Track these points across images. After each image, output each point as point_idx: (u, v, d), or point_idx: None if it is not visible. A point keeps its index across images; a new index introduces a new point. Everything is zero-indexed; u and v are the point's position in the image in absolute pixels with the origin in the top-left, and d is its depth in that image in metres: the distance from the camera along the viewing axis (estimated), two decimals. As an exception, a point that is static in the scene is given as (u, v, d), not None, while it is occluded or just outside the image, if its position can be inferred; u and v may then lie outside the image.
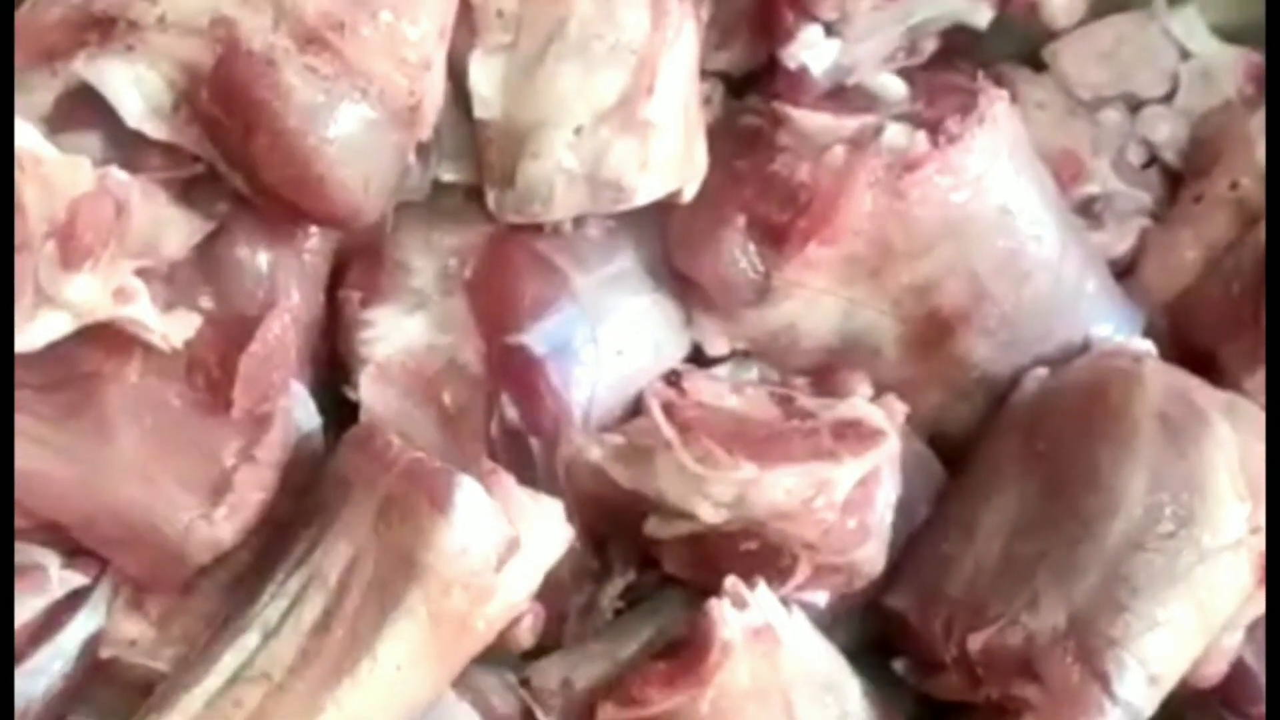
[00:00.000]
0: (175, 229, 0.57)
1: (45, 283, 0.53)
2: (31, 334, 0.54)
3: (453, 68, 0.59)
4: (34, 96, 0.56)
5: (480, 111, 0.59)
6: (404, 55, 0.55)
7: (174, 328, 0.56)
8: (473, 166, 0.60)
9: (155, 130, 0.55)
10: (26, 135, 0.54)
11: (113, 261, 0.54)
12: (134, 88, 0.55)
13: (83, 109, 0.56)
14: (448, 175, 0.61)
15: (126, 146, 0.56)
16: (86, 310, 0.54)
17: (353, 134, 0.54)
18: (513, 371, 0.58)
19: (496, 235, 0.60)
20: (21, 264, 0.52)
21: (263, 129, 0.54)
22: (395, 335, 0.60)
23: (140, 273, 0.55)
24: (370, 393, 0.60)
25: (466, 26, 0.58)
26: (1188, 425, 0.60)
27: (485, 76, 0.58)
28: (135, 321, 0.55)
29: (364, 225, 0.57)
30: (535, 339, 0.58)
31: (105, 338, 0.55)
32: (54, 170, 0.53)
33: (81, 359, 0.56)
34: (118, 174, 0.54)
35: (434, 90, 0.56)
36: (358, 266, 0.60)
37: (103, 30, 0.55)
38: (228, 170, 0.56)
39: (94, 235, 0.53)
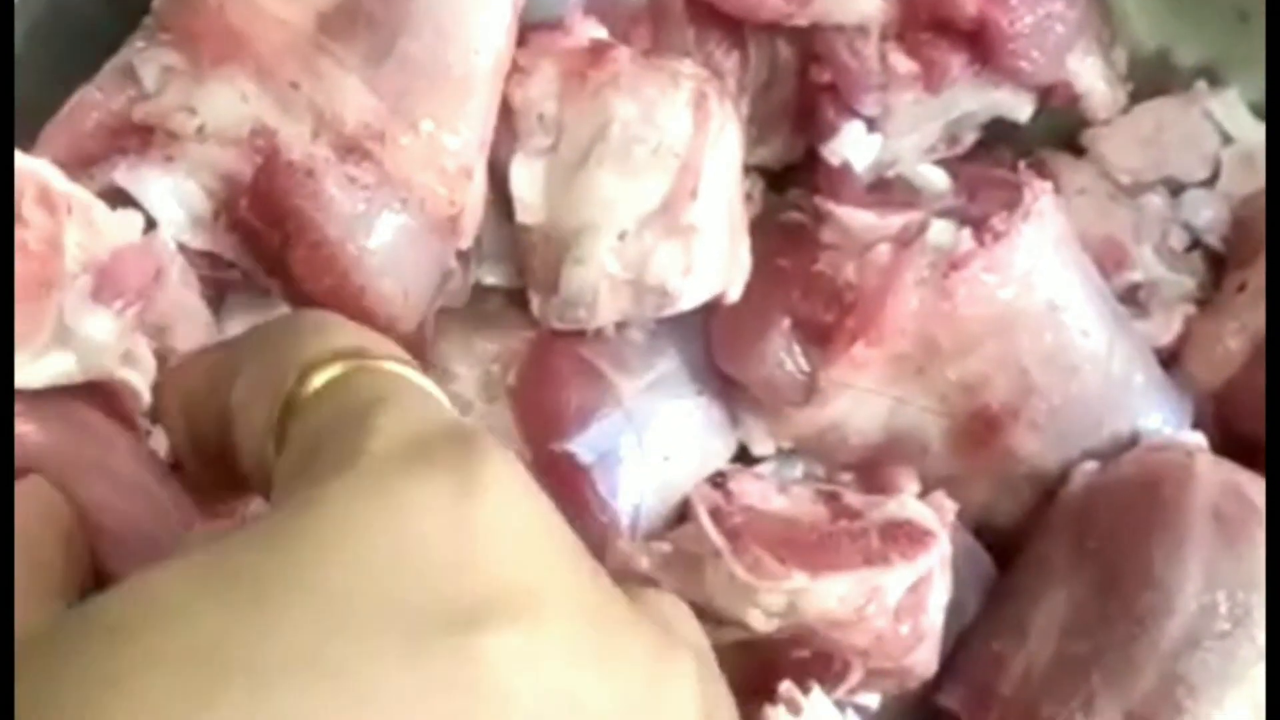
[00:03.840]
0: (191, 323, 0.56)
1: (68, 312, 0.51)
2: (38, 370, 0.51)
3: (494, 172, 0.58)
4: None
5: (522, 216, 0.58)
6: (444, 165, 0.54)
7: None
8: (513, 270, 0.60)
9: (194, 239, 0.55)
10: (75, 188, 0.51)
11: (135, 320, 0.53)
12: (173, 197, 0.54)
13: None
14: (488, 279, 0.60)
15: None
16: (94, 357, 0.51)
17: (393, 244, 0.54)
18: (559, 480, 0.58)
19: (539, 341, 0.59)
20: (46, 302, 0.51)
21: (302, 239, 0.53)
22: (439, 445, 0.59)
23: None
24: (414, 503, 0.59)
25: (507, 130, 0.58)
26: (1242, 520, 0.59)
27: (527, 181, 0.58)
28: (130, 387, 0.53)
29: (401, 334, 0.56)
30: (581, 447, 0.58)
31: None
32: (103, 219, 0.51)
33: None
34: (167, 240, 0.53)
35: (475, 199, 0.56)
36: (401, 374, 0.60)
37: (141, 139, 0.54)
38: (266, 278, 0.56)
39: (134, 280, 0.51)
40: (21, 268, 0.51)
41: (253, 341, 0.39)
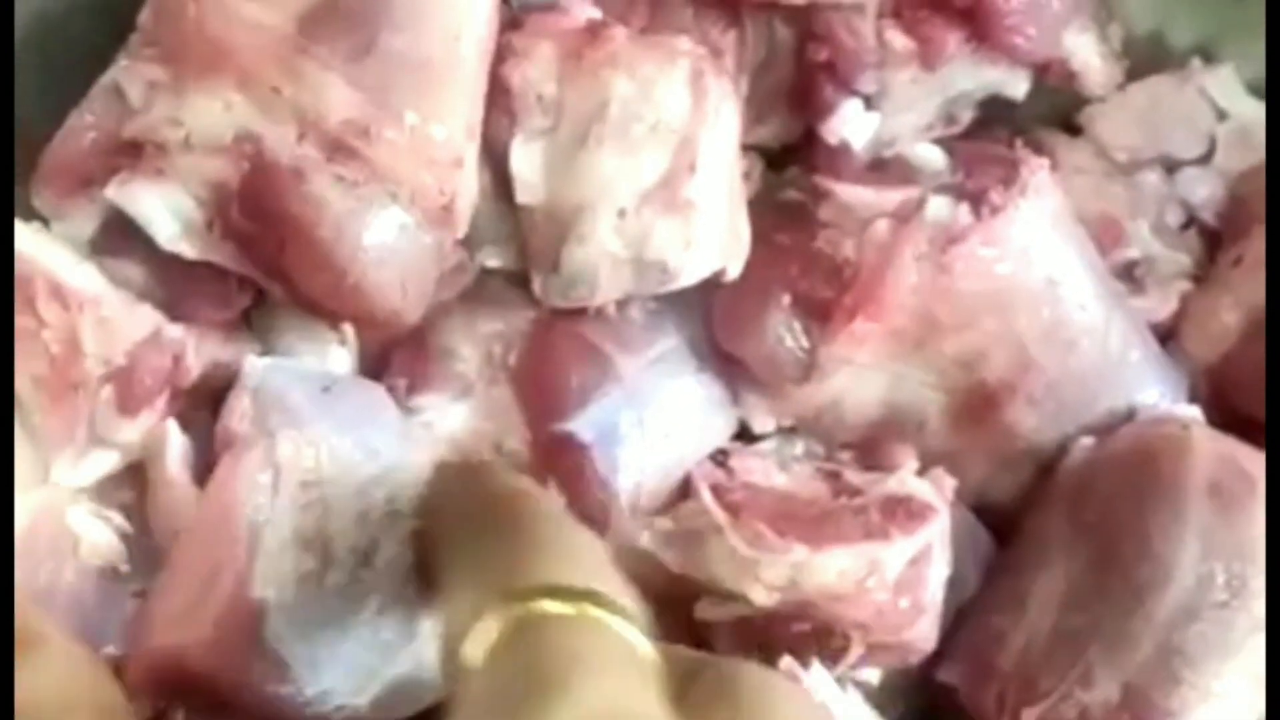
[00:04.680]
0: (227, 371, 0.58)
1: (101, 426, 0.54)
2: (83, 470, 0.55)
3: (494, 153, 0.58)
4: (75, 224, 0.56)
5: (523, 197, 0.58)
6: (432, 155, 0.54)
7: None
8: (515, 252, 0.60)
9: (190, 250, 0.55)
10: (85, 276, 0.55)
11: (167, 406, 0.56)
12: (166, 210, 0.55)
13: (125, 234, 0.56)
14: (490, 261, 0.60)
15: (173, 275, 0.57)
16: (134, 452, 0.55)
17: (386, 239, 0.54)
18: (560, 459, 0.58)
19: (540, 321, 0.60)
20: (78, 403, 0.54)
21: (295, 240, 0.54)
22: (442, 423, 0.59)
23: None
24: (417, 479, 0.59)
25: (506, 112, 0.58)
26: (1238, 493, 0.59)
27: (527, 161, 0.58)
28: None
29: (405, 326, 0.57)
30: (582, 426, 0.58)
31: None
32: (114, 313, 0.54)
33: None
34: (170, 329, 0.55)
35: (466, 187, 0.56)
36: (402, 352, 0.60)
37: (133, 155, 0.55)
38: (267, 282, 0.56)
39: (154, 383, 0.55)
40: (48, 372, 0.52)
41: (487, 520, 0.41)
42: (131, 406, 0.54)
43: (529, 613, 0.36)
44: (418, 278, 0.55)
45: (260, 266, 0.55)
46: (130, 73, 0.54)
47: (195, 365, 0.56)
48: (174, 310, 0.56)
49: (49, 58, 0.58)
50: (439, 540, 0.42)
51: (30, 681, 0.38)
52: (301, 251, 0.53)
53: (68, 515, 0.56)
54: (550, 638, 0.36)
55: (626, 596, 0.39)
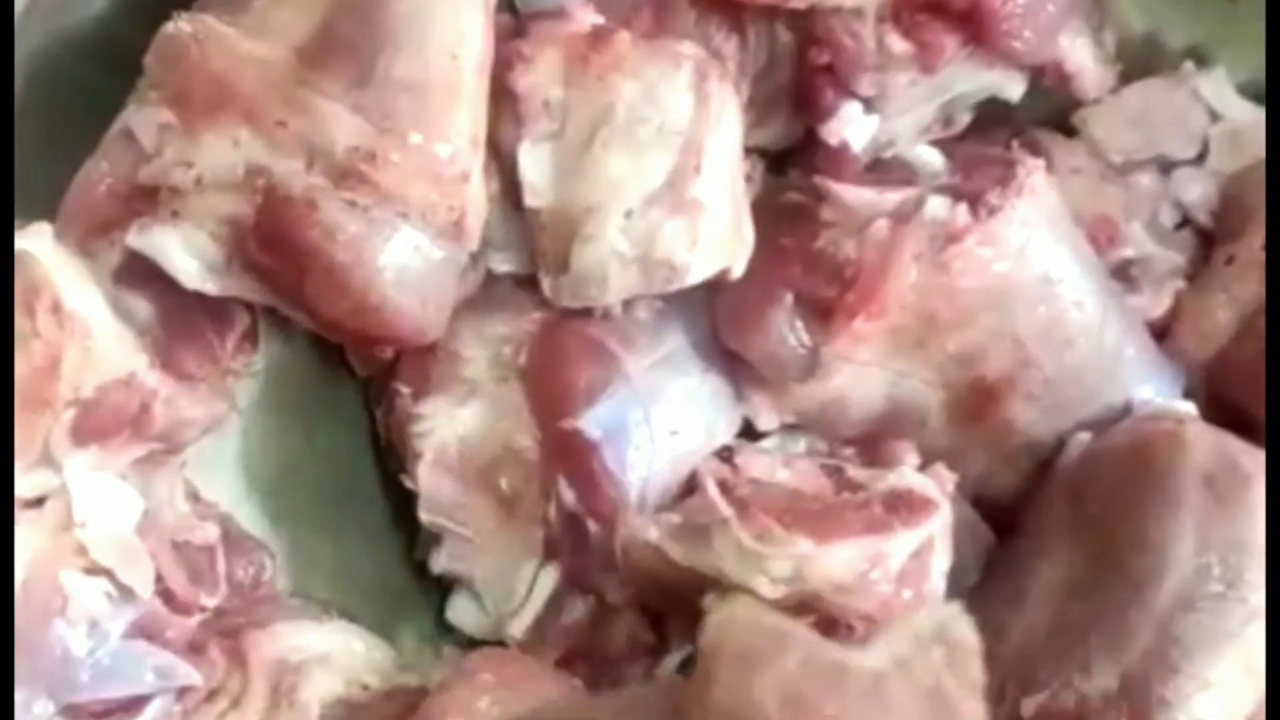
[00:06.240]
0: (193, 426, 0.59)
1: (54, 442, 0.54)
2: (25, 483, 0.55)
3: (501, 158, 0.59)
4: (100, 261, 0.57)
5: (531, 200, 0.59)
6: (439, 173, 0.55)
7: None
8: (523, 256, 0.61)
9: (214, 287, 0.57)
10: (86, 302, 0.55)
11: (123, 446, 0.57)
12: (185, 251, 0.56)
13: (147, 267, 0.57)
14: (499, 266, 0.62)
15: (171, 321, 0.59)
16: (74, 486, 0.55)
17: (401, 258, 0.55)
18: (569, 456, 0.59)
19: (548, 322, 0.61)
20: (42, 418, 0.54)
21: (313, 268, 0.55)
22: (447, 427, 0.61)
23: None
24: (428, 481, 0.60)
25: (513, 117, 0.59)
26: (1233, 486, 0.60)
27: (535, 165, 0.59)
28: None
29: (429, 340, 0.58)
30: (590, 423, 0.59)
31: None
32: (98, 347, 0.55)
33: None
34: (146, 376, 0.56)
35: (475, 200, 0.57)
36: (409, 359, 0.61)
37: (149, 199, 0.56)
38: (290, 310, 0.58)
39: (113, 423, 0.55)
40: (28, 379, 0.53)
41: None
42: (83, 438, 0.54)
43: None
44: (437, 292, 0.56)
45: (282, 296, 0.57)
46: (140, 117, 0.56)
47: (162, 415, 0.56)
48: (163, 354, 0.57)
49: (54, 102, 0.59)
50: None
51: None
52: (321, 278, 0.54)
53: (60, 574, 0.55)
54: None
55: None
